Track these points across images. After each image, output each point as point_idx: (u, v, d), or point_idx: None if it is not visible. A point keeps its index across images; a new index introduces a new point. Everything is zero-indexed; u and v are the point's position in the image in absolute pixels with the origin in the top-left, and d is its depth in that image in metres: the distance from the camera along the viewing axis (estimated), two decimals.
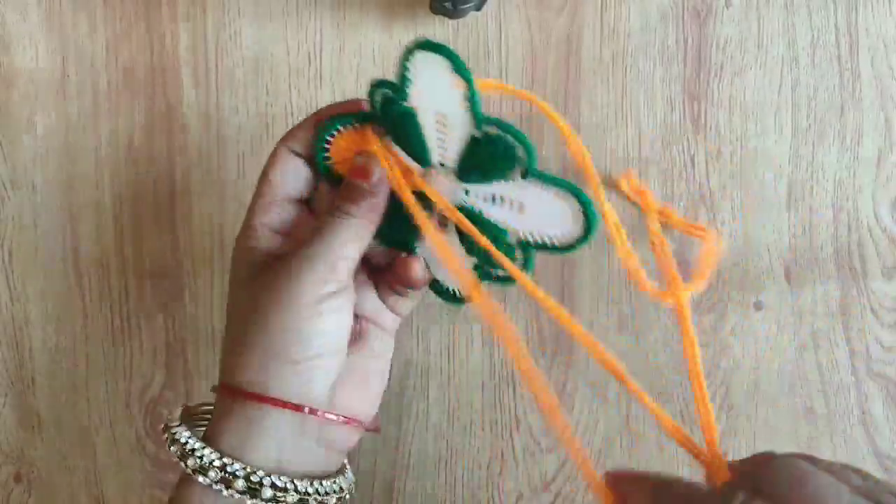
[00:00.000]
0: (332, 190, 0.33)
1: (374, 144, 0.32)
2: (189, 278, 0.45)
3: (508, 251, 0.31)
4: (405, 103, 0.30)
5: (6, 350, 0.46)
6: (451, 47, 0.29)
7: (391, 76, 0.31)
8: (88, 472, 0.46)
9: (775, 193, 0.45)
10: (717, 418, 0.45)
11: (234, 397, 0.30)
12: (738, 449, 0.45)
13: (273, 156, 0.33)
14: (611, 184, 0.45)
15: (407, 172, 0.32)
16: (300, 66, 0.45)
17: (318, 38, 0.45)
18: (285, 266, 0.30)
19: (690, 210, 0.45)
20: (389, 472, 0.45)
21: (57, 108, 0.46)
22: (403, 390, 0.45)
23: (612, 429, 0.45)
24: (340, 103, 0.33)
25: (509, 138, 0.29)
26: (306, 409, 0.30)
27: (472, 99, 0.29)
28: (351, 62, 0.45)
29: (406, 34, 0.45)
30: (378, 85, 0.31)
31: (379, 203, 0.32)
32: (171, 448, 0.30)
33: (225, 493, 0.29)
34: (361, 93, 0.45)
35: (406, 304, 0.35)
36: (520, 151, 0.29)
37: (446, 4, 0.42)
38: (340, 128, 0.32)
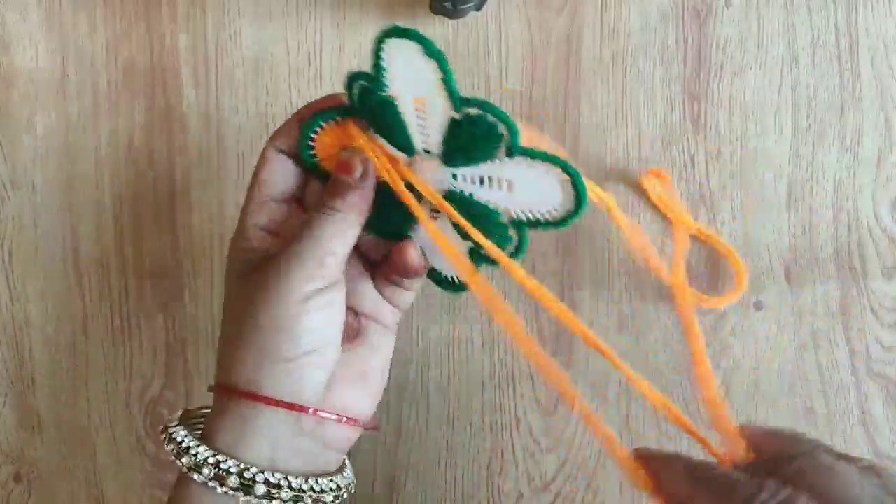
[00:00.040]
0: (322, 187, 0.33)
1: (359, 138, 0.31)
2: (189, 278, 0.45)
3: (502, 231, 0.31)
4: (382, 93, 0.30)
5: (6, 350, 0.46)
6: (420, 31, 0.28)
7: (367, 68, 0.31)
8: (88, 472, 0.46)
9: (775, 193, 0.45)
10: None
11: (230, 396, 0.30)
12: None
13: (261, 157, 0.33)
14: (635, 185, 0.45)
15: (393, 163, 0.32)
16: (300, 66, 0.45)
17: (318, 38, 0.45)
18: (274, 264, 0.30)
19: (690, 210, 0.45)
20: (389, 472, 0.45)
21: (57, 108, 0.46)
22: (403, 390, 0.45)
23: (612, 429, 0.45)
24: (320, 99, 0.33)
25: (490, 117, 0.29)
26: (299, 408, 0.30)
27: (447, 81, 0.29)
28: (351, 62, 0.45)
29: None
30: (354, 77, 0.31)
31: (365, 196, 0.32)
32: (168, 447, 0.31)
33: (219, 490, 0.29)
34: None
35: (405, 296, 0.35)
36: (502, 129, 0.29)
37: (446, 4, 0.42)
38: (323, 124, 0.32)
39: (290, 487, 0.30)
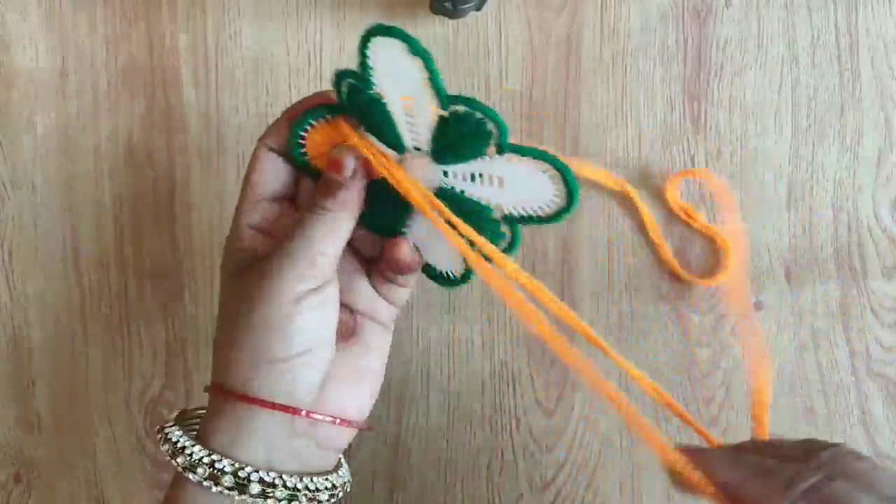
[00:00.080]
0: (314, 185, 0.33)
1: (350, 136, 0.31)
2: (189, 278, 0.45)
3: (494, 227, 0.31)
4: (370, 91, 0.30)
5: (6, 350, 0.46)
6: (404, 29, 0.28)
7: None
8: (88, 472, 0.46)
9: (775, 193, 0.45)
10: (718, 418, 0.45)
11: (224, 397, 0.30)
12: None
13: (252, 156, 0.33)
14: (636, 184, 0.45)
15: (386, 165, 0.31)
16: (300, 66, 0.45)
17: (318, 38, 0.45)
18: (266, 264, 0.30)
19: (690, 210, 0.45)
20: (389, 472, 0.45)
21: (57, 108, 0.46)
22: (403, 390, 0.45)
23: (611, 429, 0.45)
24: (309, 97, 0.33)
25: (478, 114, 0.29)
26: (292, 410, 0.30)
27: (433, 78, 0.28)
28: (351, 62, 0.45)
29: None
30: (342, 75, 0.30)
31: (356, 195, 0.31)
32: (164, 447, 0.31)
33: (214, 489, 0.29)
34: None
35: (400, 292, 0.35)
36: (490, 127, 0.29)
37: (446, 4, 0.42)
38: (313, 122, 0.32)
39: (284, 486, 0.30)
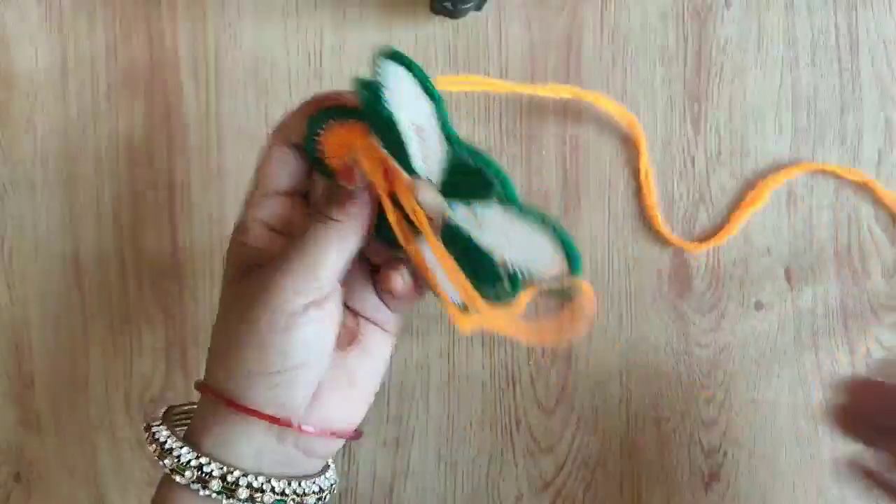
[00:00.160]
0: (326, 183, 0.32)
1: (365, 145, 0.30)
2: (189, 278, 0.45)
3: (494, 275, 0.30)
4: (386, 108, 0.29)
5: (6, 350, 0.46)
6: (416, 62, 0.27)
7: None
8: (88, 472, 0.46)
9: (775, 193, 0.45)
10: (717, 418, 0.45)
11: (216, 401, 0.30)
12: (738, 449, 0.45)
13: (266, 147, 0.32)
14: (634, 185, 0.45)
15: (395, 180, 0.30)
16: (300, 66, 0.45)
17: (318, 38, 0.45)
18: (268, 273, 0.29)
19: (690, 210, 0.45)
20: (389, 473, 0.45)
21: (57, 108, 0.46)
22: (403, 390, 0.45)
23: (611, 429, 0.45)
24: (331, 95, 0.31)
25: (482, 166, 0.28)
26: (281, 422, 0.29)
27: (441, 119, 0.28)
28: (351, 62, 0.45)
29: (406, 34, 0.45)
30: (364, 83, 0.29)
31: (365, 207, 0.30)
32: (151, 447, 0.30)
33: (201, 492, 0.29)
34: None
35: (405, 303, 0.34)
36: (493, 179, 0.28)
37: (446, 4, 0.42)
38: (331, 120, 0.31)
39: (272, 491, 0.29)
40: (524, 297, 0.30)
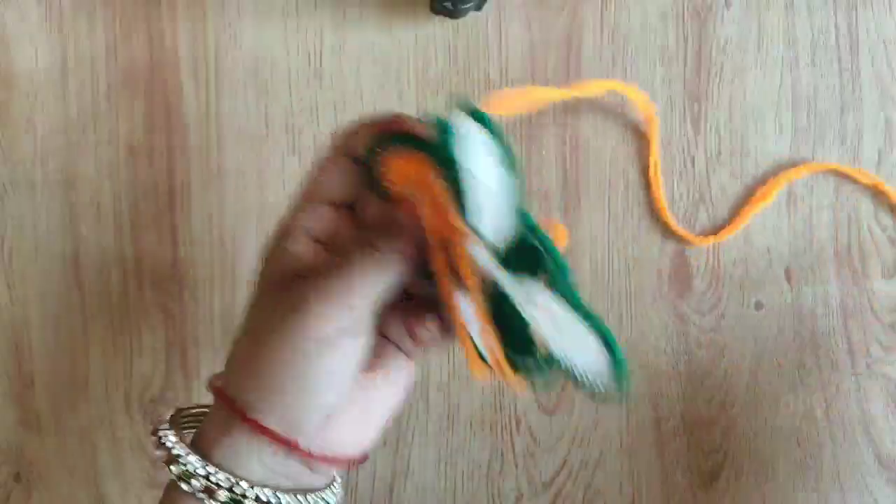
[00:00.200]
0: (378, 205, 0.31)
1: (425, 181, 0.28)
2: (189, 278, 0.45)
3: (529, 350, 0.28)
4: (460, 157, 0.27)
5: (6, 350, 0.46)
6: (502, 135, 0.26)
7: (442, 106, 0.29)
8: (88, 472, 0.46)
9: (775, 194, 0.45)
10: (717, 418, 0.45)
11: (230, 410, 0.29)
12: (738, 449, 0.45)
13: (324, 155, 0.31)
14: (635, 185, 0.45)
15: (451, 226, 0.28)
16: (300, 66, 0.45)
17: (318, 38, 0.45)
18: (305, 291, 0.28)
19: (691, 209, 0.45)
20: (389, 473, 0.45)
21: (57, 108, 0.46)
22: None
23: (611, 429, 0.45)
24: (405, 120, 0.30)
25: (539, 247, 0.27)
26: (291, 444, 0.29)
27: (513, 189, 0.27)
28: (351, 62, 0.45)
29: (406, 34, 0.45)
30: (442, 125, 0.28)
31: (414, 243, 0.29)
32: (158, 452, 0.30)
33: (207, 502, 0.29)
34: (360, 93, 0.45)
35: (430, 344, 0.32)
36: (549, 263, 0.27)
37: (446, 4, 0.42)
38: (399, 145, 0.29)
39: None
40: (553, 381, 0.29)
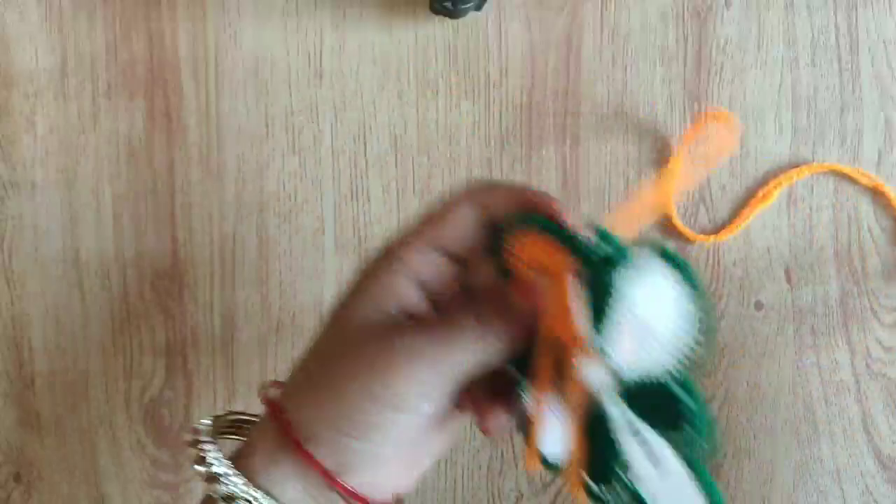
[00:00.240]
0: (493, 274, 0.29)
1: (559, 278, 0.26)
2: (189, 278, 0.45)
3: (610, 479, 0.26)
4: (614, 284, 0.25)
5: (6, 350, 0.46)
6: (702, 284, 0.24)
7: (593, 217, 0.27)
8: (88, 472, 0.46)
9: (775, 193, 0.45)
10: (717, 418, 0.45)
11: (286, 440, 0.29)
12: (737, 449, 0.45)
13: (454, 202, 0.29)
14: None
15: (572, 331, 0.25)
16: (300, 66, 0.45)
17: (318, 38, 0.45)
18: (397, 346, 0.27)
19: (691, 209, 0.45)
20: None
21: (57, 108, 0.46)
22: None
23: None
24: (559, 206, 0.28)
25: (683, 401, 0.25)
26: (337, 484, 0.28)
27: (676, 338, 0.24)
28: (351, 62, 0.45)
29: (406, 34, 0.45)
30: (602, 234, 0.26)
31: (524, 332, 0.27)
32: (198, 467, 0.29)
33: None
34: (360, 93, 0.45)
35: None
36: (685, 414, 0.25)
37: (446, 4, 0.42)
38: (542, 230, 0.27)
39: None
40: None
